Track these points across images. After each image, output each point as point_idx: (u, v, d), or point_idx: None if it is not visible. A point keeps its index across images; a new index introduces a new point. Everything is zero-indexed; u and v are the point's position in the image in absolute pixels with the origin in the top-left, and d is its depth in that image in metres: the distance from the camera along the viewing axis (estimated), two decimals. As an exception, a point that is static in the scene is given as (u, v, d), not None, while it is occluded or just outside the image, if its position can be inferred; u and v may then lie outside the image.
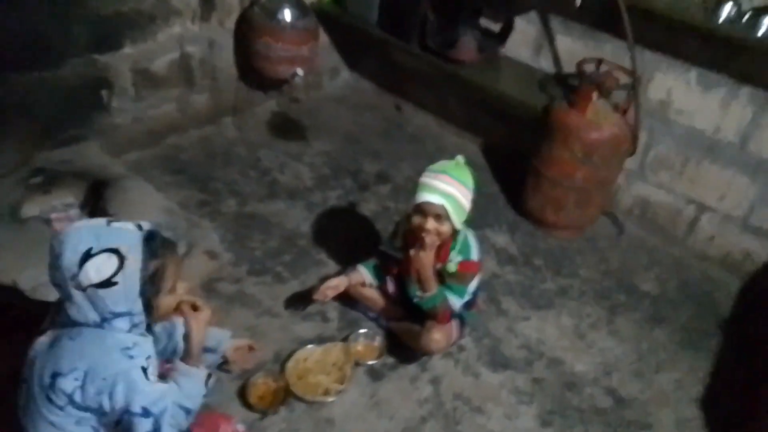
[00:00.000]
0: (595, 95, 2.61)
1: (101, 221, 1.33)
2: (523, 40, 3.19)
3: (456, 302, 2.00)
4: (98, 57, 2.84)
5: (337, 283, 2.12)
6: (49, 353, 1.35)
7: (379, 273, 2.21)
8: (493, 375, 2.23)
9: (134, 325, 1.34)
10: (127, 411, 1.30)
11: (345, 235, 2.77)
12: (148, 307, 1.34)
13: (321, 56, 3.54)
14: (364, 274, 2.20)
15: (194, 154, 3.17)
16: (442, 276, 1.99)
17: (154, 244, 1.33)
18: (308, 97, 3.70)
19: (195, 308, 1.54)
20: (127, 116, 3.07)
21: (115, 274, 1.25)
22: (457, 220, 1.86)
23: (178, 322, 1.68)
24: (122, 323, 1.31)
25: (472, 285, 2.07)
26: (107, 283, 1.25)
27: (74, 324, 1.32)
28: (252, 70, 3.31)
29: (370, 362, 2.17)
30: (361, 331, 2.26)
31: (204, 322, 1.54)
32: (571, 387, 2.24)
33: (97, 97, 2.92)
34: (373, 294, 2.23)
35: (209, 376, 1.54)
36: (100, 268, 1.24)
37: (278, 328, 2.27)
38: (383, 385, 2.13)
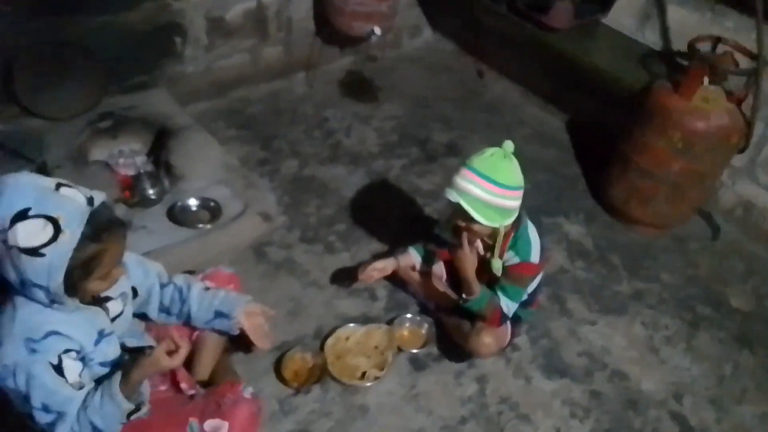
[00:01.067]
0: (705, 78, 2.26)
1: (50, 182, 1.18)
2: (628, 7, 2.83)
3: (509, 305, 1.82)
4: (172, 2, 2.78)
5: (384, 266, 1.99)
6: None
7: (431, 257, 2.05)
8: (547, 381, 2.04)
9: (53, 301, 1.22)
10: (27, 399, 1.23)
11: (404, 210, 2.62)
12: (72, 289, 1.21)
13: (402, 13, 3.31)
14: (414, 257, 2.05)
15: (261, 109, 3.09)
16: (493, 275, 1.80)
17: (99, 224, 1.20)
18: (385, 56, 3.51)
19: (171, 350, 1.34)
20: (198, 65, 3.02)
21: (45, 245, 1.13)
22: (486, 219, 1.66)
23: (187, 284, 1.60)
24: (38, 294, 1.19)
25: (531, 286, 1.87)
26: (33, 252, 1.13)
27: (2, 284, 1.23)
28: (328, 25, 3.15)
29: (414, 350, 2.04)
30: (408, 315, 2.13)
31: (160, 365, 1.33)
32: (633, 406, 2.01)
33: (169, 43, 2.88)
34: (423, 279, 2.08)
35: (136, 409, 1.35)
36: (30, 233, 1.12)
37: (322, 302, 2.17)
38: (425, 376, 2.00)
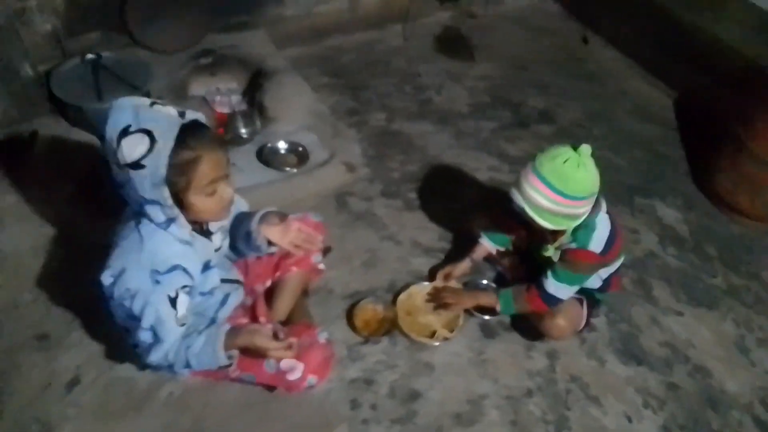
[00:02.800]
0: None
1: (146, 100, 1.23)
2: (766, -26, 2.54)
3: (558, 287, 1.73)
4: (278, -57, 2.77)
5: (462, 273, 1.99)
6: (113, 244, 1.35)
7: (504, 238, 1.98)
8: (622, 366, 1.96)
9: (170, 219, 1.27)
10: (138, 320, 1.31)
11: (489, 174, 2.54)
12: (179, 201, 1.26)
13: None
14: (488, 245, 1.99)
15: (355, 58, 3.07)
16: (549, 258, 1.73)
17: (193, 134, 1.23)
18: (486, 13, 3.37)
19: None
20: (298, 8, 3.02)
21: (144, 156, 1.18)
22: (552, 224, 1.59)
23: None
24: (155, 212, 1.25)
25: (598, 274, 1.78)
26: (136, 165, 1.19)
27: (135, 212, 1.30)
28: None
29: (486, 316, 2.01)
30: (484, 281, 2.09)
31: (264, 344, 1.38)
32: (714, 405, 1.90)
33: (271, -15, 2.88)
34: (502, 256, 2.04)
35: (228, 365, 1.42)
36: (131, 147, 1.18)
37: (397, 257, 2.17)
38: (495, 344, 1.97)
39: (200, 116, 1.28)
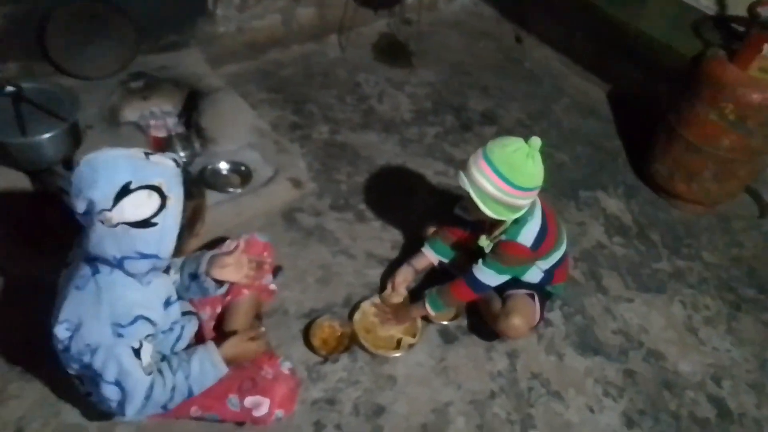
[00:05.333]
0: (765, 46, 2.11)
1: (138, 152, 1.17)
2: (682, -31, 2.66)
3: (490, 276, 1.74)
4: (204, -41, 2.71)
5: (404, 279, 1.98)
6: (62, 291, 1.28)
7: (447, 250, 1.97)
8: (580, 359, 1.99)
9: (154, 268, 1.22)
10: (100, 375, 1.24)
11: (436, 179, 2.55)
12: (177, 251, 1.22)
13: (439, -27, 3.19)
14: (430, 255, 1.99)
15: (293, 72, 3.03)
16: (481, 249, 1.75)
17: (188, 182, 1.19)
18: (420, 20, 3.39)
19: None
20: (230, 25, 2.96)
21: (155, 214, 1.12)
22: (493, 213, 1.60)
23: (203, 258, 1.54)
24: (143, 265, 1.19)
25: (534, 268, 1.81)
26: (145, 223, 1.12)
27: (89, 260, 1.23)
28: (362, -15, 3.05)
29: (444, 322, 2.00)
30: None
31: (249, 347, 1.51)
32: (670, 387, 1.95)
33: (201, 2, 2.81)
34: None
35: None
36: (139, 206, 1.11)
37: (352, 271, 2.14)
38: (455, 349, 1.96)
39: (178, 158, 1.23)
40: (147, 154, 1.17)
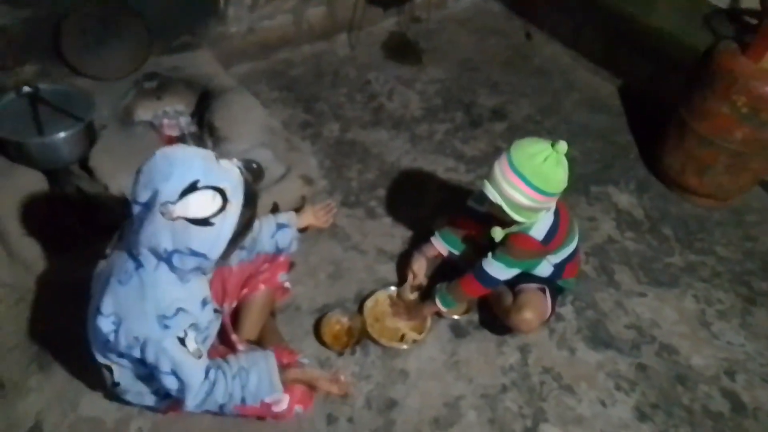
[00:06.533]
0: (778, 38, 2.09)
1: (210, 154, 1.22)
2: (692, -39, 2.64)
3: (500, 270, 1.75)
4: (215, -40, 2.74)
5: (417, 269, 1.98)
6: (101, 283, 1.31)
7: (456, 241, 1.97)
8: (592, 353, 1.99)
9: (198, 267, 1.25)
10: (156, 368, 1.30)
11: (446, 175, 2.56)
12: (224, 256, 1.25)
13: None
14: (439, 246, 1.99)
15: (304, 71, 3.05)
16: (490, 244, 1.77)
17: (249, 191, 1.23)
18: (429, 18, 3.40)
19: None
20: (242, 25, 2.99)
21: (215, 215, 1.16)
22: (523, 219, 1.62)
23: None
24: (190, 262, 1.21)
25: (552, 259, 1.81)
26: (204, 222, 1.15)
27: (134, 254, 1.25)
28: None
29: (455, 316, 2.01)
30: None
31: (319, 383, 1.60)
32: (682, 381, 1.94)
33: (213, 3, 2.84)
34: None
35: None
36: (202, 204, 1.15)
37: (363, 266, 2.16)
38: (466, 343, 1.97)
39: (241, 167, 1.27)
40: (217, 158, 1.21)
